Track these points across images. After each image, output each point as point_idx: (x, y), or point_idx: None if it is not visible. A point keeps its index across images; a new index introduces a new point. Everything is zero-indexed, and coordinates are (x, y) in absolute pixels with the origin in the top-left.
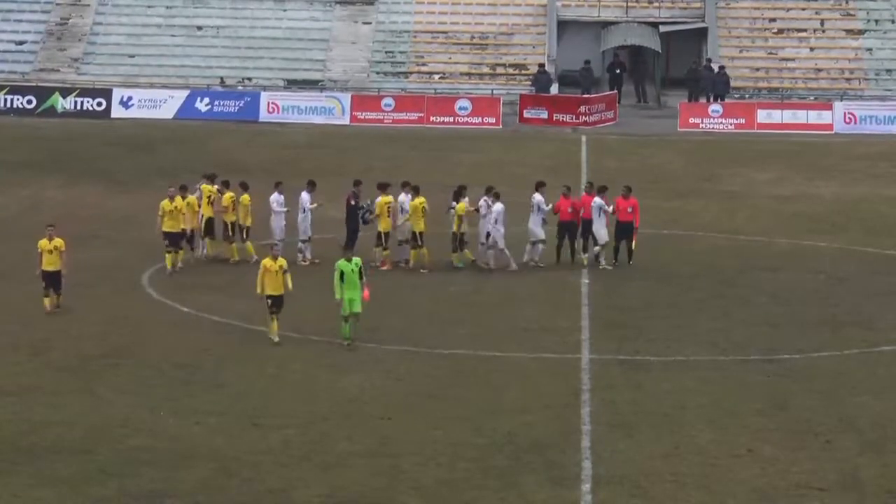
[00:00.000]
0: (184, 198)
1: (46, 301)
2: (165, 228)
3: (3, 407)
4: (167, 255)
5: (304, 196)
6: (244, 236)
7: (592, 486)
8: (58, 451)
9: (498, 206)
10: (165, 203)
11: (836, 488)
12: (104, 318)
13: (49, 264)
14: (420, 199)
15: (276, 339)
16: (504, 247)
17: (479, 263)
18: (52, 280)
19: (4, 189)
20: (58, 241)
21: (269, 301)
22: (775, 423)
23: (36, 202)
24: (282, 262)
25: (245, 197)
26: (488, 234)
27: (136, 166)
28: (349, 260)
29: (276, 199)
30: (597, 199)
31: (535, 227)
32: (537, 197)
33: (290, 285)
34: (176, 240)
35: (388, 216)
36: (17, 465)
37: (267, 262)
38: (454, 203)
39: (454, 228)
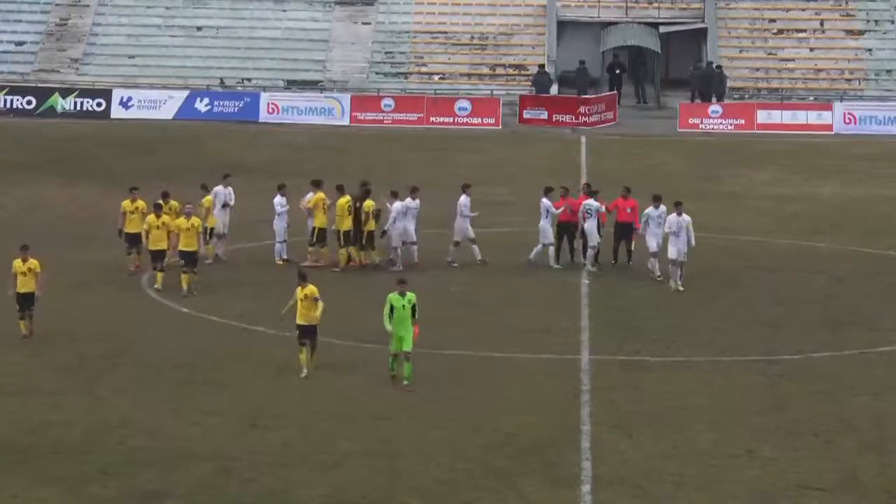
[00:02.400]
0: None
1: (22, 324)
2: (182, 247)
3: (2, 407)
4: (184, 276)
5: (463, 199)
6: (207, 237)
7: (592, 487)
8: (57, 451)
9: (397, 205)
10: (181, 221)
11: (835, 489)
12: (104, 319)
13: (23, 286)
14: (345, 198)
15: (304, 374)
16: (397, 245)
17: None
18: (27, 302)
19: (4, 189)
20: (32, 263)
21: (298, 331)
22: (775, 423)
23: (36, 202)
24: (311, 289)
25: (207, 199)
26: (384, 233)
27: (136, 167)
28: (402, 294)
29: (278, 201)
30: (544, 201)
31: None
32: (463, 199)
33: (317, 314)
34: (193, 259)
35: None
36: (16, 464)
37: (298, 292)
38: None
39: (364, 226)
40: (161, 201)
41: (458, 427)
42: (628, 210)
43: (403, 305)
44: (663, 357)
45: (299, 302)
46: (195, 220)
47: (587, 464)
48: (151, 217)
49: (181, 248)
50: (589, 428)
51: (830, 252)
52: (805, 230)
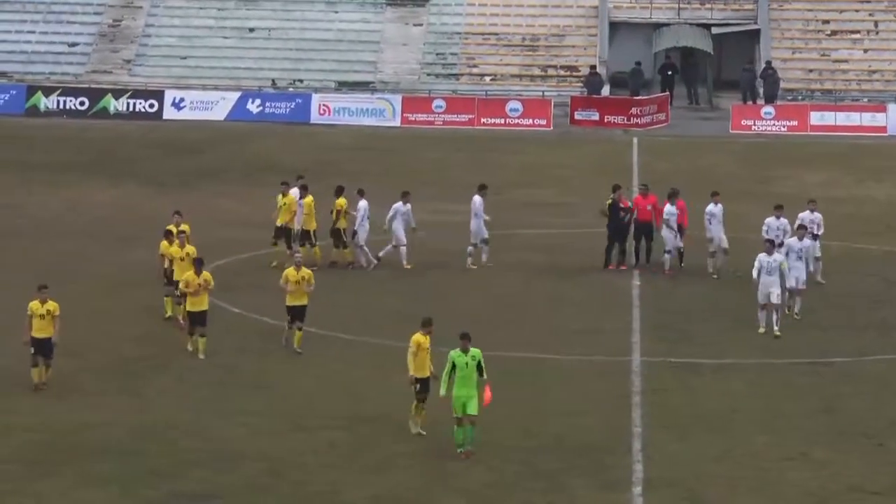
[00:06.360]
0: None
1: (34, 372)
2: (291, 302)
3: (47, 408)
4: (297, 333)
5: (477, 199)
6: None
7: (644, 489)
8: (104, 451)
9: (363, 204)
10: (291, 272)
11: (889, 492)
12: (151, 319)
13: (40, 330)
14: (309, 198)
15: (416, 430)
16: (363, 244)
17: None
18: (43, 348)
19: (51, 190)
20: (51, 305)
21: (417, 385)
22: (826, 426)
23: (84, 203)
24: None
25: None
26: (355, 233)
27: (181, 168)
28: (465, 351)
29: (363, 206)
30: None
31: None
32: (477, 200)
33: (431, 367)
34: (302, 314)
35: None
36: (63, 465)
37: (419, 337)
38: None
39: (334, 224)
40: (172, 227)
41: (506, 429)
42: (648, 208)
43: (467, 363)
44: (714, 359)
45: (424, 352)
46: (305, 272)
47: (639, 466)
48: (190, 275)
49: (289, 302)
50: (640, 430)
51: (883, 254)
52: (857, 232)
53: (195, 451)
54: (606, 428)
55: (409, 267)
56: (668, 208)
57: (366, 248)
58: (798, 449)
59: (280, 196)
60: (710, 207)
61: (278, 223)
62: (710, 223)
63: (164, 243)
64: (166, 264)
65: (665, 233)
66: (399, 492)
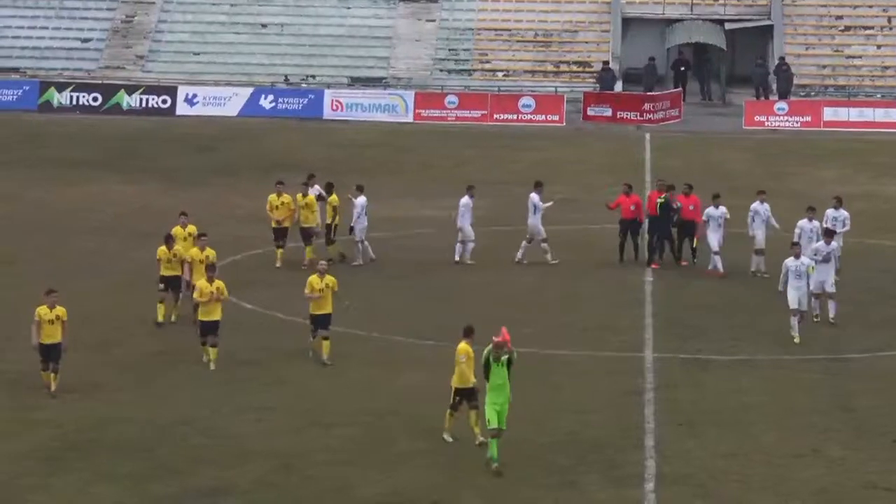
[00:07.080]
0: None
1: (45, 376)
2: (314, 311)
3: (65, 404)
4: (323, 343)
5: (534, 196)
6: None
7: (656, 486)
8: (119, 448)
9: (361, 200)
10: (314, 279)
11: None
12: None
13: (49, 336)
14: (311, 197)
15: (448, 438)
16: (362, 238)
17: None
18: (52, 354)
19: (68, 186)
20: (60, 310)
21: (458, 397)
22: (839, 422)
23: (99, 200)
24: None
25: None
26: (352, 228)
27: (195, 164)
28: (497, 360)
29: (361, 202)
30: (532, 196)
31: (537, 224)
32: (535, 197)
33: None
34: (327, 323)
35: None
36: (79, 461)
37: (468, 347)
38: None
39: (328, 220)
40: (178, 229)
41: (519, 425)
42: (691, 207)
43: (499, 366)
44: (726, 356)
45: (471, 361)
46: (329, 279)
47: (651, 462)
48: (203, 283)
49: (313, 311)
50: (653, 426)
51: None
52: (870, 228)
53: (207, 448)
54: (619, 424)
55: (471, 262)
56: (711, 210)
57: (366, 244)
58: (811, 445)
59: (275, 195)
60: (755, 205)
61: (273, 224)
62: (754, 220)
63: (163, 248)
64: (162, 270)
65: (709, 234)
66: (411, 488)
